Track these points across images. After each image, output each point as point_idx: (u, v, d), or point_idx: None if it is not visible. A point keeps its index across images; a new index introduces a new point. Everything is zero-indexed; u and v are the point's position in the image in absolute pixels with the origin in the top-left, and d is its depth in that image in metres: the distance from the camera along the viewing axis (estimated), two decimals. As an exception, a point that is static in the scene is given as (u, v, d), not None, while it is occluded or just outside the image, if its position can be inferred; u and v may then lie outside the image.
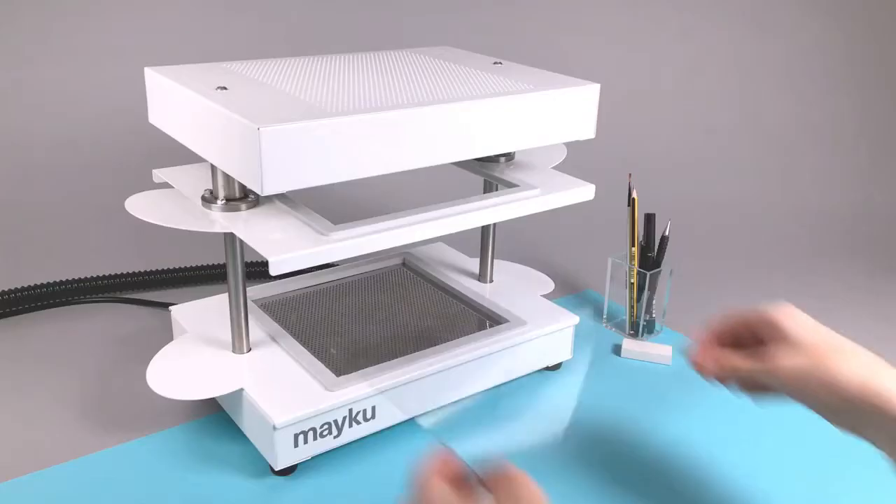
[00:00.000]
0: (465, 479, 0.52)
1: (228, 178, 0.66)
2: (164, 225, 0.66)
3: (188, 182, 0.72)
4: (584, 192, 0.77)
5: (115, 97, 1.28)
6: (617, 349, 0.90)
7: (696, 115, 1.50)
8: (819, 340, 0.57)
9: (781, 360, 0.57)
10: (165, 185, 0.74)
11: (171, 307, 0.82)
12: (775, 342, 0.58)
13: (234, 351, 0.73)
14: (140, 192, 0.71)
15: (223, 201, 0.67)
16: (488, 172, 0.80)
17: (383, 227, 0.65)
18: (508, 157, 0.83)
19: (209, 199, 0.67)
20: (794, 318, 0.59)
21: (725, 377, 0.61)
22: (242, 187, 0.67)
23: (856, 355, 0.56)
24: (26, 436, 0.72)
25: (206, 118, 0.63)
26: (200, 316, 0.80)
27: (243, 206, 0.67)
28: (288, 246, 0.61)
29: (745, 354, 0.60)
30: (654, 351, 0.88)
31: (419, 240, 0.67)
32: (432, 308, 0.86)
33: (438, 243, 1.00)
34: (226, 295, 0.73)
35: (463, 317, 0.83)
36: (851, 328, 0.99)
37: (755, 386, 0.60)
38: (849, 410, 0.54)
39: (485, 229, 0.89)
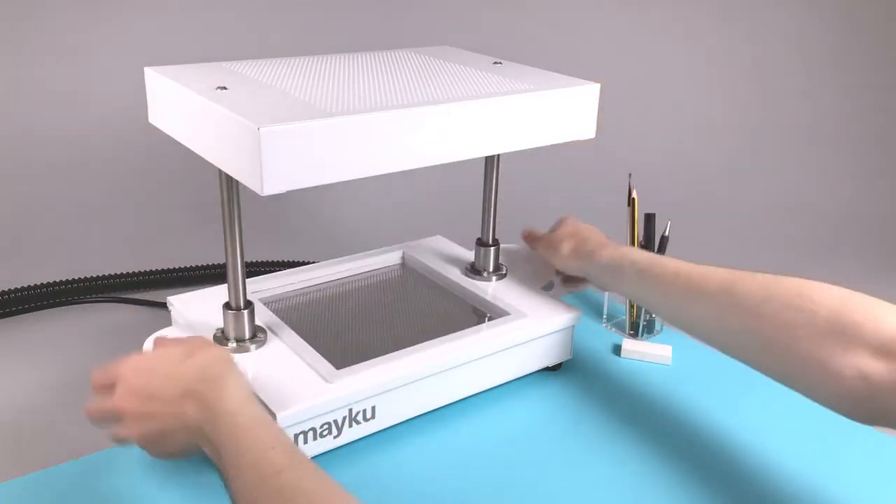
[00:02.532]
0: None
1: (238, 319, 0.71)
2: None
3: (199, 313, 0.77)
4: (570, 318, 0.82)
5: (115, 97, 1.28)
6: (617, 349, 0.90)
7: (696, 116, 1.50)
8: (566, 229, 0.85)
9: (543, 239, 0.87)
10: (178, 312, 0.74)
11: (168, 298, 0.81)
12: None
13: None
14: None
15: (234, 343, 0.72)
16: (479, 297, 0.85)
17: (384, 367, 0.70)
18: (499, 274, 0.89)
19: (221, 339, 0.73)
20: (563, 219, 0.87)
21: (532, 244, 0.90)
22: (252, 327, 0.72)
23: (577, 240, 0.83)
24: (26, 436, 0.72)
25: (206, 118, 0.63)
26: (199, 308, 0.80)
27: (252, 346, 0.72)
28: (293, 399, 0.66)
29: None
30: (654, 351, 0.88)
31: (424, 375, 0.72)
32: (432, 305, 0.86)
33: (437, 236, 1.00)
34: (225, 286, 0.73)
35: (463, 318, 0.83)
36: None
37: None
38: (569, 267, 0.84)
39: (485, 229, 0.89)
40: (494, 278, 0.90)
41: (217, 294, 0.81)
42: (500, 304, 0.83)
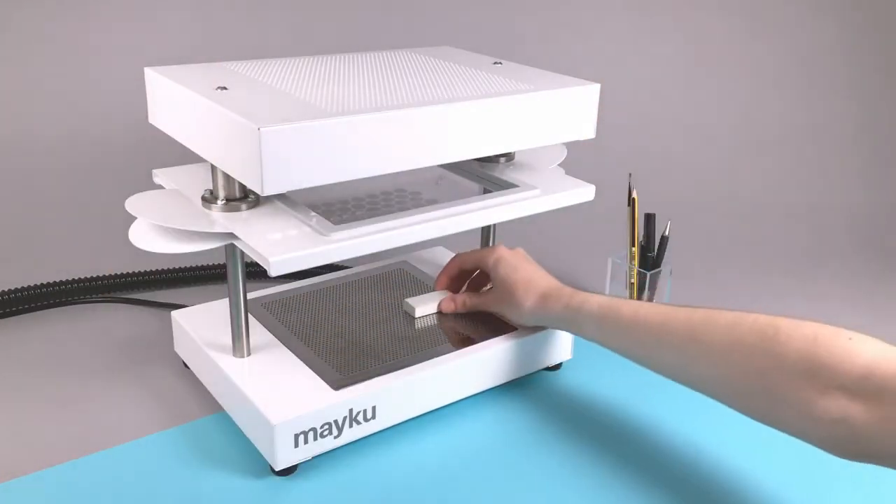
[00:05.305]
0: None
1: (229, 179, 0.66)
2: (164, 225, 0.66)
3: (188, 182, 0.72)
4: (584, 192, 0.77)
5: (115, 97, 1.28)
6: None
7: (696, 115, 1.50)
8: (506, 278, 0.78)
9: (485, 302, 0.81)
10: (164, 186, 0.74)
11: (172, 311, 0.82)
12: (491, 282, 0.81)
13: (234, 355, 0.73)
14: (140, 192, 0.71)
15: (223, 201, 0.67)
16: (488, 173, 0.80)
17: (383, 227, 0.65)
18: (508, 157, 0.83)
19: (209, 199, 0.67)
20: (497, 259, 0.80)
21: (469, 310, 0.83)
22: (243, 187, 0.67)
23: (528, 290, 0.77)
24: (26, 436, 0.72)
25: (206, 118, 0.63)
26: (201, 320, 0.80)
27: (243, 206, 0.67)
28: (288, 246, 0.61)
29: (472, 293, 0.83)
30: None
31: (419, 240, 0.67)
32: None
33: (439, 247, 1.00)
34: (226, 300, 0.73)
35: (463, 319, 0.83)
36: (851, 327, 0.99)
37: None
38: (525, 321, 0.79)
39: (484, 230, 0.89)
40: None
41: (219, 308, 0.81)
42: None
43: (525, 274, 0.78)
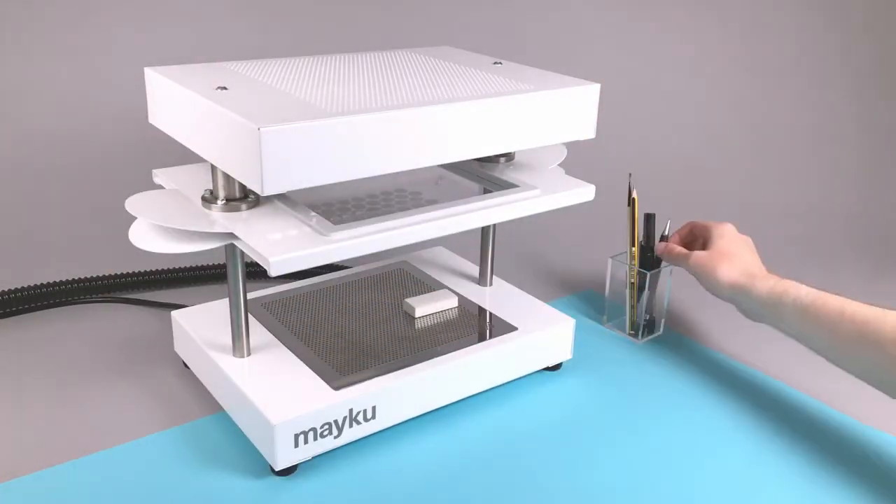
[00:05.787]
0: None
1: (229, 178, 0.66)
2: (164, 225, 0.66)
3: (188, 182, 0.72)
4: (584, 192, 0.77)
5: (115, 97, 1.28)
6: (618, 349, 0.90)
7: (696, 115, 1.50)
8: (722, 248, 0.83)
9: (695, 257, 0.84)
10: (164, 186, 0.74)
11: (172, 311, 0.82)
12: (705, 244, 0.86)
13: (234, 355, 0.73)
14: (140, 192, 0.71)
15: (223, 201, 0.67)
16: (488, 173, 0.80)
17: (383, 227, 0.65)
18: (508, 157, 0.83)
19: (209, 199, 0.67)
20: (721, 232, 0.85)
21: (670, 259, 0.88)
22: (242, 187, 0.67)
23: (737, 263, 0.80)
24: (26, 436, 0.72)
25: (206, 118, 0.63)
26: (201, 320, 0.80)
27: (243, 206, 0.67)
28: (288, 246, 0.61)
29: (682, 251, 0.86)
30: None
31: (419, 240, 0.67)
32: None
33: (439, 248, 1.00)
34: (226, 300, 0.73)
35: (462, 319, 0.83)
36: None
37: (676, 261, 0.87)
38: (724, 297, 0.82)
39: (484, 230, 0.89)
40: (493, 287, 0.90)
41: (219, 308, 0.81)
42: (499, 314, 0.84)
43: (740, 251, 0.82)
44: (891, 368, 0.64)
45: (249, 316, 0.76)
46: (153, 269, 1.00)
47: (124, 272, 0.99)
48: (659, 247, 0.89)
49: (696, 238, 0.89)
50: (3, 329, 0.90)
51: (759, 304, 0.76)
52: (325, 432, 0.68)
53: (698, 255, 0.83)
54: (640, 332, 0.93)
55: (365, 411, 0.70)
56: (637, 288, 0.91)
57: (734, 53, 1.52)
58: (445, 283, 0.90)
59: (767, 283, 0.76)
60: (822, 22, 1.52)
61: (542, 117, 0.72)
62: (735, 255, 0.81)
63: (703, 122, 1.50)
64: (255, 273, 1.00)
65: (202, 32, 1.34)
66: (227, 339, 0.74)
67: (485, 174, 0.80)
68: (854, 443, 0.75)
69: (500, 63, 0.82)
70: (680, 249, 0.86)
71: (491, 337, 0.79)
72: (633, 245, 0.91)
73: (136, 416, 0.76)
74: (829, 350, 0.71)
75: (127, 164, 1.17)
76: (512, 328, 0.80)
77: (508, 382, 0.81)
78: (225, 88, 0.65)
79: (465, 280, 0.91)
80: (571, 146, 0.83)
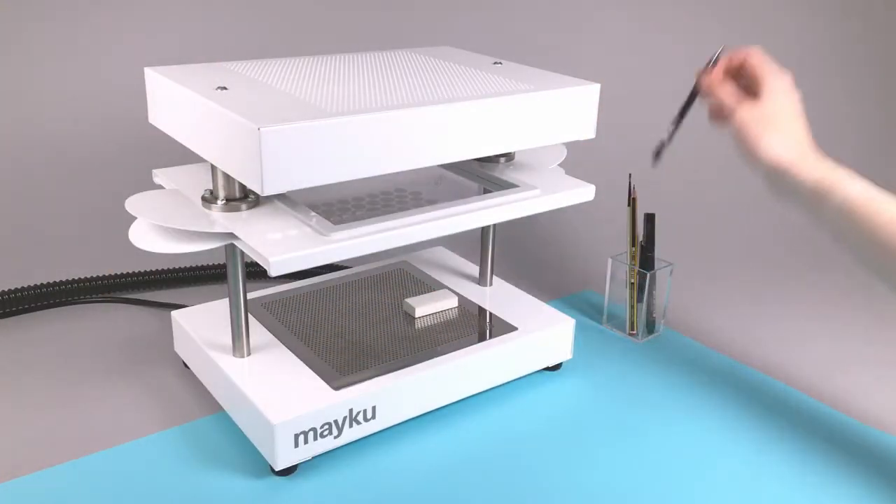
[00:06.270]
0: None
1: (228, 178, 0.66)
2: (164, 225, 0.66)
3: (188, 182, 0.72)
4: (584, 192, 0.77)
5: (115, 97, 1.28)
6: (618, 349, 0.90)
7: (696, 115, 1.50)
8: (774, 111, 0.70)
9: (741, 115, 0.71)
10: (164, 186, 0.74)
11: (172, 311, 0.82)
12: (753, 95, 0.72)
13: (234, 355, 0.73)
14: (140, 192, 0.71)
15: (223, 201, 0.67)
16: (488, 173, 0.80)
17: (383, 227, 0.65)
18: (508, 157, 0.83)
19: (209, 199, 0.67)
20: (778, 87, 0.72)
21: (708, 99, 0.76)
22: (242, 187, 0.67)
23: (786, 135, 0.69)
24: (26, 436, 0.72)
25: (206, 118, 0.63)
26: (201, 320, 0.80)
27: (243, 206, 0.67)
28: (288, 246, 0.61)
29: (731, 92, 0.74)
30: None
31: (419, 240, 0.67)
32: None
33: (439, 248, 1.00)
34: (226, 300, 0.73)
35: (462, 319, 0.83)
36: (851, 328, 0.99)
37: (720, 117, 0.75)
38: (759, 174, 0.71)
39: (484, 230, 0.89)
40: (493, 287, 0.90)
41: (219, 308, 0.81)
42: (499, 313, 0.84)
43: (791, 118, 0.70)
44: None
45: (249, 316, 0.76)
46: (153, 269, 1.01)
47: (124, 272, 0.99)
48: (703, 80, 0.76)
49: (746, 80, 0.75)
50: (3, 329, 0.90)
51: (800, 193, 0.67)
52: (325, 432, 0.68)
53: (744, 113, 0.71)
54: (640, 332, 0.93)
55: (365, 411, 0.70)
56: (637, 288, 0.91)
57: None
58: (445, 283, 0.90)
59: (815, 171, 0.66)
60: (822, 22, 1.51)
61: (542, 117, 0.72)
62: (786, 125, 0.69)
63: (703, 122, 1.50)
64: (255, 273, 1.00)
65: (202, 32, 1.34)
66: (227, 339, 0.74)
67: (485, 174, 0.80)
68: (854, 443, 0.75)
69: (500, 63, 0.82)
70: (727, 94, 0.73)
71: (491, 337, 0.79)
72: (633, 245, 0.91)
73: (136, 416, 0.76)
74: (867, 259, 0.64)
75: (127, 164, 1.17)
76: (512, 328, 0.80)
77: (508, 382, 0.81)
78: (225, 88, 0.65)
79: (465, 280, 0.91)
80: (571, 146, 0.83)
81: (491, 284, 0.91)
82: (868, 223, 0.62)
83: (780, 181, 0.69)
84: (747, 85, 0.74)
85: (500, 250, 0.92)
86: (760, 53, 0.74)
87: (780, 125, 0.69)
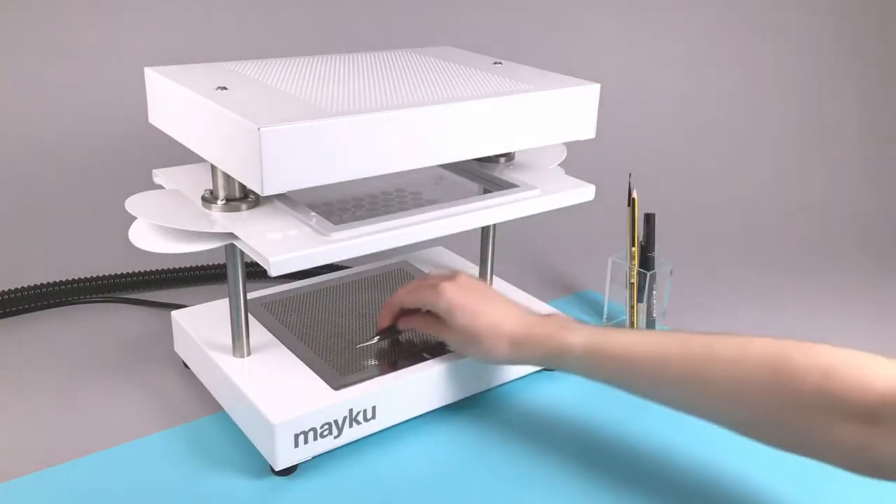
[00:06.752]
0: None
1: (228, 178, 0.66)
2: (164, 225, 0.66)
3: (188, 182, 0.72)
4: (584, 192, 0.77)
5: (115, 97, 1.28)
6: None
7: (696, 115, 1.50)
8: (474, 330, 0.69)
9: (451, 336, 0.72)
10: (164, 186, 0.74)
11: (172, 311, 0.82)
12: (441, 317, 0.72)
13: (234, 355, 0.73)
14: (140, 192, 0.71)
15: (223, 201, 0.67)
16: (488, 173, 0.80)
17: (383, 227, 0.65)
18: (508, 157, 0.83)
19: (209, 199, 0.67)
20: (455, 313, 0.70)
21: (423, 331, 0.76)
22: (243, 187, 0.67)
23: (500, 338, 0.69)
24: (26, 436, 0.72)
25: (206, 118, 0.63)
26: (201, 320, 0.80)
27: (244, 206, 0.67)
28: (288, 246, 0.61)
29: (423, 319, 0.74)
30: None
31: (419, 240, 0.67)
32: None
33: (439, 248, 1.00)
34: (226, 300, 0.73)
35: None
36: (851, 328, 0.99)
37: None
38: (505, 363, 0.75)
39: (484, 230, 0.89)
40: (493, 287, 0.90)
41: (219, 308, 0.81)
42: None
43: (488, 320, 0.69)
44: (688, 404, 0.61)
45: (249, 316, 0.76)
46: (153, 269, 1.00)
47: (124, 272, 0.99)
48: (402, 321, 0.75)
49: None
50: (3, 329, 0.90)
51: (540, 362, 0.71)
52: (325, 432, 0.68)
53: (450, 337, 0.72)
54: (640, 332, 0.92)
55: (365, 411, 0.70)
56: (637, 288, 0.91)
57: (734, 53, 1.52)
58: None
59: (538, 347, 0.68)
60: (822, 21, 1.52)
61: (542, 117, 0.72)
62: (485, 329, 0.69)
63: (703, 122, 1.50)
64: (255, 273, 1.00)
65: (202, 32, 1.34)
66: (227, 339, 0.74)
67: (485, 174, 0.80)
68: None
69: (500, 63, 0.82)
70: (432, 327, 0.73)
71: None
72: (633, 245, 0.91)
73: (136, 416, 0.75)
74: (628, 391, 0.66)
75: (127, 164, 1.17)
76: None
77: (508, 382, 0.81)
78: (225, 88, 0.65)
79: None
80: (571, 146, 0.83)
81: (491, 284, 0.91)
82: (604, 367, 0.66)
83: (523, 364, 0.71)
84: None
85: (500, 250, 0.92)
86: (398, 295, 0.75)
87: (481, 340, 0.69)
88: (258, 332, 0.77)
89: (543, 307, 0.86)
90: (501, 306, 0.71)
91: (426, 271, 0.93)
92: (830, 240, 1.26)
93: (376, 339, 0.77)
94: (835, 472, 0.57)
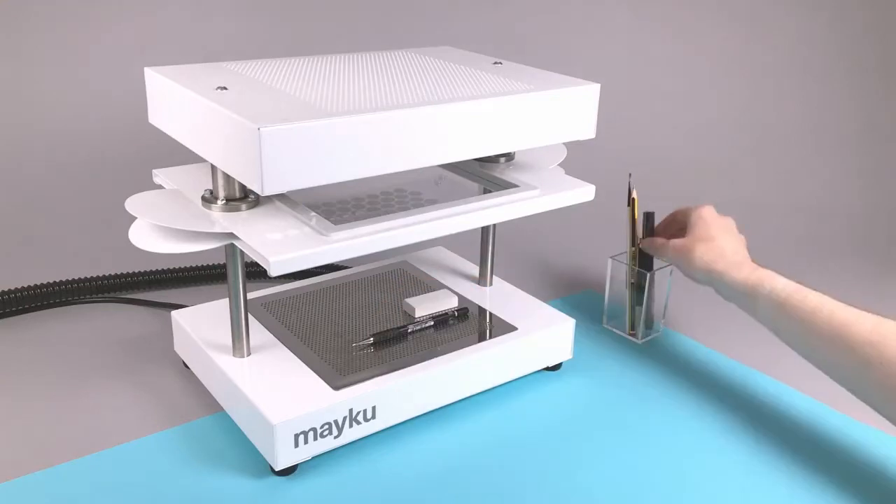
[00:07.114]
0: None
1: (228, 178, 0.66)
2: (164, 225, 0.66)
3: (188, 182, 0.72)
4: (584, 192, 0.77)
5: (115, 97, 1.28)
6: (618, 349, 0.90)
7: (696, 115, 1.50)
8: (699, 232, 0.81)
9: (674, 242, 0.83)
10: (164, 186, 0.74)
11: (172, 311, 0.82)
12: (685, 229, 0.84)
13: (234, 355, 0.73)
14: (140, 192, 0.71)
15: (223, 201, 0.67)
16: (488, 173, 0.80)
17: (383, 227, 0.65)
18: (508, 157, 0.83)
19: (209, 199, 0.67)
20: (699, 215, 0.83)
21: (653, 251, 0.88)
22: (243, 187, 0.67)
23: (712, 248, 0.80)
24: (26, 436, 0.72)
25: (206, 118, 0.63)
26: (201, 320, 0.80)
27: (243, 206, 0.67)
28: (288, 246, 0.61)
29: (665, 240, 0.85)
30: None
31: (419, 240, 0.67)
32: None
33: (439, 248, 1.00)
34: (226, 300, 0.73)
35: (463, 319, 0.83)
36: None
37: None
38: (701, 282, 0.82)
39: (484, 230, 0.89)
40: (493, 287, 0.90)
41: (219, 308, 0.81)
42: (499, 313, 0.83)
43: (718, 234, 0.80)
44: (860, 370, 0.64)
45: (249, 316, 0.76)
46: (153, 269, 1.00)
47: (124, 272, 0.99)
48: (644, 242, 0.89)
49: (681, 226, 0.88)
50: (3, 329, 0.90)
51: (733, 292, 0.77)
52: (325, 432, 0.68)
53: (675, 242, 0.83)
54: (640, 333, 0.93)
55: (365, 411, 0.70)
56: (637, 288, 0.91)
57: (735, 53, 1.52)
58: (445, 283, 0.90)
59: (743, 271, 0.76)
60: (823, 21, 1.52)
61: (542, 117, 0.72)
62: (712, 239, 0.80)
63: (703, 122, 1.50)
64: (255, 273, 1.00)
65: (202, 32, 1.34)
66: (227, 339, 0.74)
67: (485, 174, 0.80)
68: (854, 443, 0.75)
69: (500, 63, 0.82)
70: (661, 240, 0.86)
71: (491, 337, 0.79)
72: (633, 245, 0.91)
73: (136, 416, 0.76)
74: (801, 345, 0.70)
75: (127, 164, 1.17)
76: (512, 328, 0.80)
77: (508, 382, 0.81)
78: (225, 88, 0.65)
79: (465, 280, 0.91)
80: (571, 146, 0.83)
81: (491, 284, 0.91)
82: (795, 311, 0.70)
83: (715, 284, 0.79)
84: (682, 230, 0.86)
85: (500, 250, 0.92)
86: (683, 209, 0.87)
87: (707, 241, 0.80)
88: (258, 332, 0.77)
89: (544, 307, 0.86)
90: (733, 240, 0.81)
91: (426, 271, 0.93)
92: (830, 240, 1.26)
93: (371, 339, 0.77)
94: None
